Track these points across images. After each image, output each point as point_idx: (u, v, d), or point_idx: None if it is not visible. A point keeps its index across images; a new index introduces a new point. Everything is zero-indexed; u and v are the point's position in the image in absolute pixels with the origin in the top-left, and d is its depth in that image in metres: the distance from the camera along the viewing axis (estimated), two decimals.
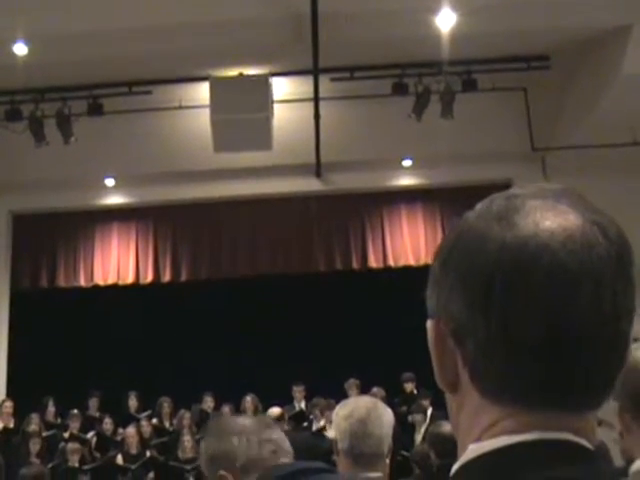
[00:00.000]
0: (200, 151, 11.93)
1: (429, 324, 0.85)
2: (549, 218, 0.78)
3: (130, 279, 13.32)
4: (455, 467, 0.80)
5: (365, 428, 2.83)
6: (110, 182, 13.08)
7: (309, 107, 11.42)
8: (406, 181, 13.11)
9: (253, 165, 12.30)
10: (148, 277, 13.33)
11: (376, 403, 2.95)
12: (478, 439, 0.79)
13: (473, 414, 0.81)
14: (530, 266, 0.75)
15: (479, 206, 0.83)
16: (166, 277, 13.30)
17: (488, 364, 0.78)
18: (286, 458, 2.21)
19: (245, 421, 2.31)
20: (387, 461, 2.95)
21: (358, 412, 2.87)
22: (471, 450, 0.79)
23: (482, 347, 0.78)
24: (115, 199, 13.31)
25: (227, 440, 2.21)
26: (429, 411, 10.68)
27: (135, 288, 13.33)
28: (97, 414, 12.09)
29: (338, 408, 2.94)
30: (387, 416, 2.93)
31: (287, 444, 2.26)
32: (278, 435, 2.26)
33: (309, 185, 12.82)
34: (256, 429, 2.23)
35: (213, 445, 2.26)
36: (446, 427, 4.82)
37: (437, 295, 0.84)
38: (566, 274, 0.75)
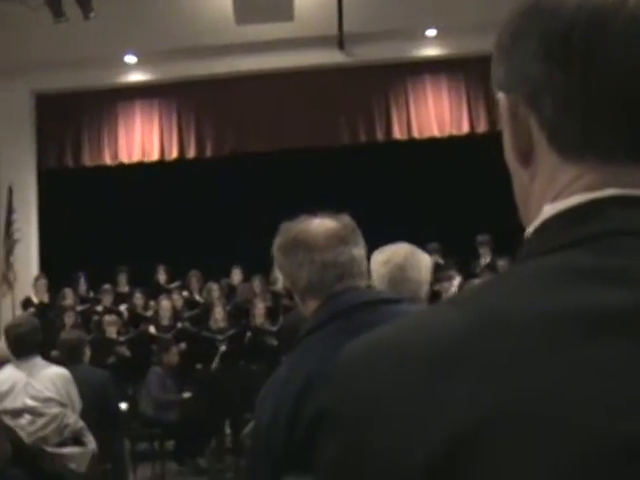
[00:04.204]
0: (222, 25, 11.76)
1: (500, 96, 0.86)
2: None
3: (155, 156, 13.35)
4: (528, 230, 0.82)
5: (403, 273, 2.87)
6: (131, 59, 12.97)
7: None
8: (430, 52, 12.89)
9: (275, 38, 12.12)
10: (173, 153, 13.34)
11: (413, 249, 2.98)
12: (553, 200, 0.80)
13: (548, 179, 0.81)
14: (608, 18, 0.76)
15: None
16: (191, 153, 13.31)
17: (568, 119, 0.78)
18: (354, 280, 2.15)
19: (317, 232, 2.17)
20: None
21: (396, 258, 2.90)
22: (544, 212, 0.79)
23: (561, 103, 0.78)
24: (137, 76, 13.21)
25: (292, 256, 2.18)
26: (455, 280, 10.79)
27: (160, 165, 13.38)
28: (127, 289, 12.33)
29: (375, 254, 2.95)
30: (425, 261, 2.97)
31: (359, 264, 2.17)
32: (349, 254, 2.15)
33: (332, 57, 12.64)
34: (326, 245, 2.14)
35: (280, 257, 2.22)
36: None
37: (506, 65, 0.84)
38: None
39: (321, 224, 2.18)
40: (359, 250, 2.18)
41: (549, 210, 0.79)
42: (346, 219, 2.22)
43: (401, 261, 2.88)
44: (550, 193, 0.81)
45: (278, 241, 2.23)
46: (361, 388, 0.72)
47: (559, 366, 0.65)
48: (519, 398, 0.64)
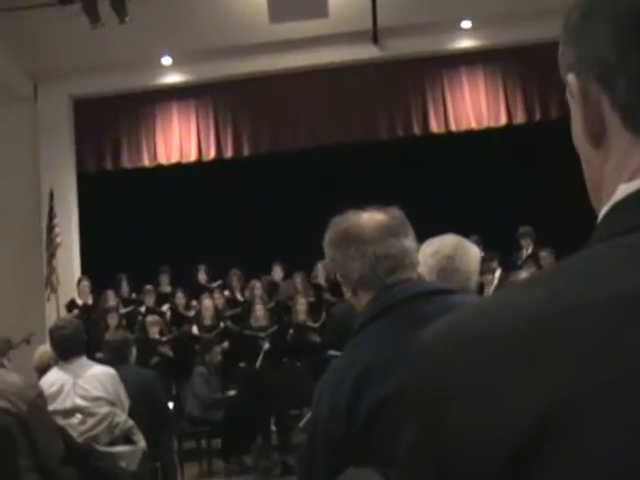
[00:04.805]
0: (256, 23, 11.76)
1: (570, 78, 0.85)
2: None
3: (193, 156, 13.42)
4: (603, 211, 0.81)
5: (453, 264, 2.86)
6: (167, 60, 13.04)
7: None
8: (465, 43, 12.80)
9: (310, 35, 12.11)
10: (211, 153, 13.40)
11: (462, 240, 2.96)
12: (628, 181, 0.79)
13: (622, 160, 0.80)
14: None
15: None
16: (228, 152, 13.35)
17: None
18: (407, 272, 2.15)
19: (369, 224, 2.16)
20: None
21: (445, 249, 2.89)
22: (621, 190, 0.78)
23: (635, 82, 0.77)
24: (173, 78, 13.28)
25: (344, 250, 2.16)
26: (497, 273, 10.72)
27: (198, 165, 13.45)
28: (169, 289, 12.40)
29: (424, 246, 2.92)
30: (473, 252, 2.95)
31: (410, 256, 2.17)
32: (400, 245, 2.15)
33: (367, 52, 12.61)
34: (377, 238, 2.13)
35: (331, 251, 2.21)
36: (522, 275, 4.85)
37: (576, 46, 0.84)
38: None
39: (371, 217, 2.18)
40: (410, 242, 2.18)
41: (624, 190, 0.78)
42: (395, 211, 2.22)
43: (450, 252, 2.87)
44: (625, 173, 0.80)
45: (329, 235, 2.22)
46: (447, 367, 0.72)
47: (635, 345, 0.65)
48: (603, 377, 0.64)
